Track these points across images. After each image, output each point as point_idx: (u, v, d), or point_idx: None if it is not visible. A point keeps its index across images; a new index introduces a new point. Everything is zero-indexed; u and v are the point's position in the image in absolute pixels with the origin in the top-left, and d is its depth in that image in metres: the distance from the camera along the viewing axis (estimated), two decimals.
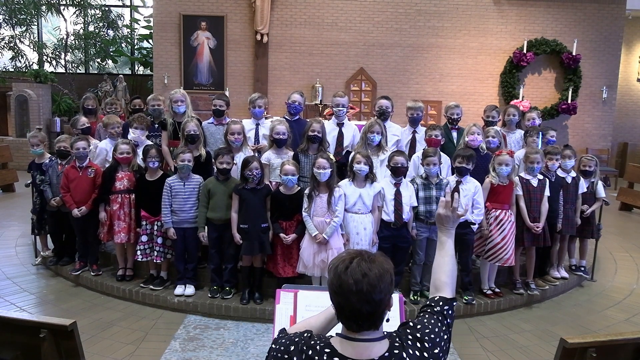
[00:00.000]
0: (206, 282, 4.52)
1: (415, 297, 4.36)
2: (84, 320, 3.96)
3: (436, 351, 1.52)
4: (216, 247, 4.31)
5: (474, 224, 4.32)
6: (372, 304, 1.42)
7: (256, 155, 4.49)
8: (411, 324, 1.58)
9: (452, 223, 1.83)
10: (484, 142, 4.73)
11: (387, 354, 1.44)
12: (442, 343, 1.54)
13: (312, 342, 1.49)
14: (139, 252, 4.43)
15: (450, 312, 1.63)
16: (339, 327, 1.55)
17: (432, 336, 1.54)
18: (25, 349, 2.09)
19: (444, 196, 1.85)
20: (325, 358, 1.43)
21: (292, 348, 1.48)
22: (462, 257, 4.42)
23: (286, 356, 1.47)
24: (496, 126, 5.16)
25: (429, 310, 1.64)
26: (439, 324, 1.57)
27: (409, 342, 1.49)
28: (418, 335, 1.53)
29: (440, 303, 1.65)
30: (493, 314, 4.41)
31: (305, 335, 1.54)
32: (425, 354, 1.49)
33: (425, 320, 1.58)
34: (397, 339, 1.50)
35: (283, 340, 1.54)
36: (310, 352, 1.45)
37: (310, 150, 4.44)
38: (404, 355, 1.45)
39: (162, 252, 4.45)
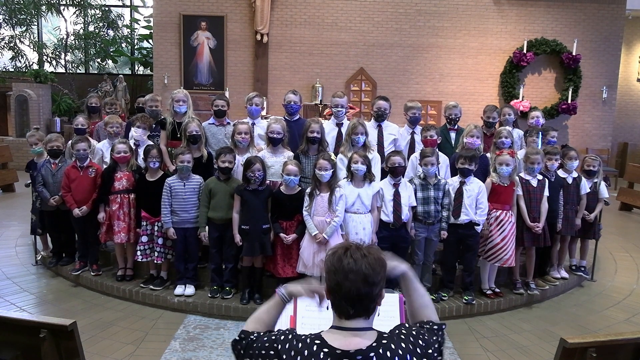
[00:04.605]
0: (206, 282, 4.52)
1: None
2: (84, 320, 3.96)
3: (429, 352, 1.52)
4: (217, 246, 4.31)
5: (478, 224, 4.32)
6: (369, 286, 1.47)
7: (259, 156, 4.48)
8: (406, 324, 1.61)
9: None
10: (481, 144, 4.72)
11: (374, 343, 1.47)
12: (433, 353, 1.54)
13: (302, 336, 1.52)
14: (139, 253, 4.43)
15: (442, 333, 1.63)
16: (329, 322, 1.56)
17: (426, 337, 1.55)
18: (25, 349, 2.09)
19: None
20: (314, 349, 1.45)
21: (280, 346, 1.50)
22: (465, 259, 4.42)
23: (272, 352, 1.49)
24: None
25: (420, 324, 1.66)
26: (433, 337, 1.59)
27: (402, 337, 1.51)
28: (414, 333, 1.55)
29: (431, 324, 1.66)
30: (493, 314, 4.41)
31: (287, 331, 1.56)
32: (418, 350, 1.50)
33: (417, 328, 1.61)
34: (388, 333, 1.53)
35: (265, 339, 1.55)
36: (299, 346, 1.48)
37: (310, 152, 4.45)
38: (392, 346, 1.47)
39: (163, 253, 4.45)
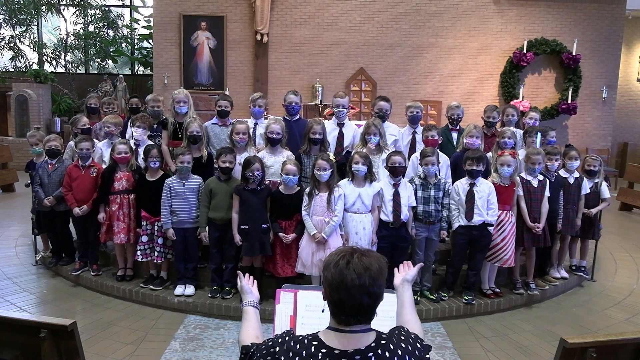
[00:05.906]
0: (206, 282, 4.51)
1: (416, 297, 4.35)
2: (84, 320, 3.96)
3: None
4: (217, 246, 4.31)
5: (492, 224, 4.30)
6: (372, 297, 1.45)
7: (258, 156, 4.48)
8: (406, 327, 1.61)
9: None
10: (482, 144, 4.71)
11: (373, 344, 1.46)
12: None
13: (300, 337, 1.51)
14: (139, 253, 4.42)
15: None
16: (326, 322, 1.55)
17: (424, 344, 1.56)
18: (25, 349, 2.09)
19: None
20: (312, 350, 1.44)
21: (278, 349, 1.49)
22: (475, 258, 4.41)
23: (269, 357, 1.48)
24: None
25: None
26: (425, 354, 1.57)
27: (402, 338, 1.51)
28: (412, 336, 1.55)
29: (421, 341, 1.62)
30: (493, 314, 4.41)
31: (284, 333, 1.55)
32: (417, 353, 1.49)
33: (415, 335, 1.60)
34: (387, 334, 1.52)
35: (263, 347, 1.55)
36: (297, 347, 1.46)
37: (312, 152, 4.45)
38: (391, 346, 1.46)
39: (163, 253, 4.45)
